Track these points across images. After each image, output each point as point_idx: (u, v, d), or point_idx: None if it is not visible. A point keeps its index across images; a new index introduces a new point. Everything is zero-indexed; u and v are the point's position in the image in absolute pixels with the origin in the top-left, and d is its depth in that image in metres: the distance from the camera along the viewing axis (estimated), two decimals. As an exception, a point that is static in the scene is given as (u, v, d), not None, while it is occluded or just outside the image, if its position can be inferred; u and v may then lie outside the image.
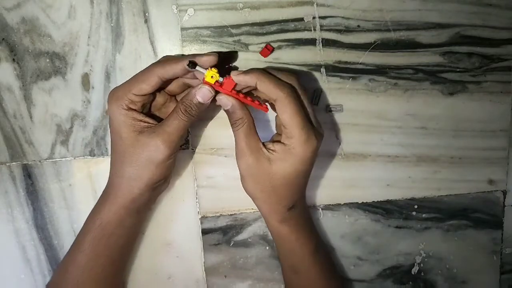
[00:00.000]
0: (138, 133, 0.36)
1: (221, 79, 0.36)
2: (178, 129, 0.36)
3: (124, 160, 0.37)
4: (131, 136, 0.37)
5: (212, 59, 0.35)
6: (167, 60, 0.37)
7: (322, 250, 0.44)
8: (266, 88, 0.35)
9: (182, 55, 0.42)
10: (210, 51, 0.36)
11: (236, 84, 0.36)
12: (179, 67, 0.35)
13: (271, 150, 0.37)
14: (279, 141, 0.37)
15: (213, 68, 0.35)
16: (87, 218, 0.40)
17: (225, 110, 0.37)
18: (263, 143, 0.37)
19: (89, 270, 0.39)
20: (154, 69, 0.36)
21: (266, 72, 0.36)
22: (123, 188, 0.38)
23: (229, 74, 0.36)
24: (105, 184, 0.40)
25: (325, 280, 0.42)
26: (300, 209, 0.40)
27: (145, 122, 0.37)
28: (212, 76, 0.35)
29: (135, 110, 0.37)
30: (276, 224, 0.40)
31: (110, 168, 0.39)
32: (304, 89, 0.37)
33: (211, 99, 0.36)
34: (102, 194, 0.40)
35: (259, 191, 0.38)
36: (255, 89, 0.36)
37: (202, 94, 0.36)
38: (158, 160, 0.37)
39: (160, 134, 0.36)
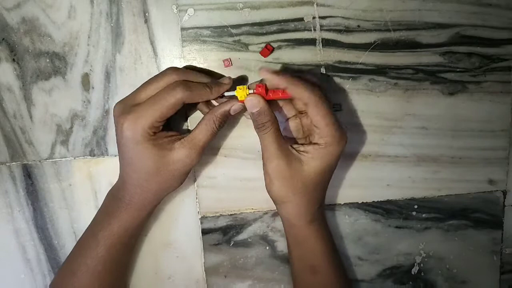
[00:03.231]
0: (169, 151, 0.36)
1: (251, 91, 0.37)
2: (210, 139, 0.38)
3: (152, 177, 0.37)
4: (162, 156, 0.36)
5: (228, 82, 0.38)
6: (193, 86, 0.36)
7: (337, 249, 0.44)
8: (298, 92, 0.36)
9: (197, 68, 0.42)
10: (225, 77, 0.39)
11: (267, 91, 0.37)
12: (207, 95, 0.37)
13: (301, 151, 0.37)
14: (310, 143, 0.38)
15: (240, 86, 0.37)
16: (96, 224, 0.40)
17: (250, 114, 0.37)
18: (291, 146, 0.38)
19: (102, 275, 0.39)
20: (181, 95, 0.35)
21: (294, 76, 0.37)
22: (148, 199, 0.39)
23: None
24: (105, 183, 0.40)
25: (340, 280, 0.43)
26: (324, 207, 0.42)
27: (170, 136, 0.37)
28: (244, 93, 0.37)
29: (158, 132, 0.37)
30: (304, 225, 0.40)
31: (130, 182, 0.38)
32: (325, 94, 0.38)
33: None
34: (116, 202, 0.39)
35: (291, 194, 0.38)
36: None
37: (235, 108, 0.37)
38: (189, 170, 0.39)
39: (195, 147, 0.37)
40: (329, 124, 0.36)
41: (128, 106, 0.36)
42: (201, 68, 0.42)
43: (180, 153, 0.37)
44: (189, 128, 0.43)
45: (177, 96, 0.35)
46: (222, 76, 0.42)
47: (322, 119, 0.36)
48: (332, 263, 0.42)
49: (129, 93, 0.37)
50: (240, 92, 0.37)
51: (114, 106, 0.37)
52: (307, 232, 0.40)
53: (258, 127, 0.37)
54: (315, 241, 0.41)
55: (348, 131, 0.45)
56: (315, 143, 0.37)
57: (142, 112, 0.35)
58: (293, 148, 0.38)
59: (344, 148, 0.38)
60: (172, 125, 0.43)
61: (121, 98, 0.38)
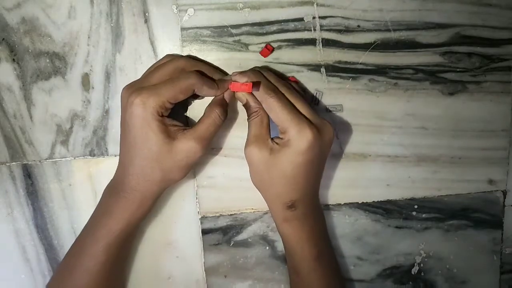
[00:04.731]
0: (173, 139, 0.37)
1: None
2: (214, 131, 0.38)
3: (156, 165, 0.37)
4: (166, 143, 0.36)
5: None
6: (203, 78, 0.37)
7: (327, 256, 0.43)
8: (255, 91, 0.38)
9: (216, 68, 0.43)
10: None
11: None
12: (214, 89, 0.38)
13: (275, 142, 0.38)
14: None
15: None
16: (94, 222, 0.39)
17: (243, 105, 0.40)
18: (272, 138, 0.39)
19: (99, 275, 0.39)
20: (193, 83, 0.37)
21: (257, 75, 0.38)
22: (150, 191, 0.38)
23: None
24: (105, 184, 0.40)
25: (326, 285, 0.42)
26: (304, 212, 0.40)
27: (175, 126, 0.37)
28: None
29: (166, 116, 0.37)
30: (278, 222, 0.41)
31: (132, 171, 0.37)
32: (294, 90, 0.39)
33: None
34: (115, 198, 0.38)
35: (260, 182, 0.40)
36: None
37: (227, 96, 0.40)
38: (194, 163, 0.38)
39: (199, 139, 0.37)
40: (284, 118, 0.37)
41: (139, 87, 0.37)
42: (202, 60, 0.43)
43: (184, 143, 0.37)
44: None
45: (191, 81, 0.37)
46: (223, 71, 0.42)
47: (275, 116, 0.37)
48: (314, 269, 0.41)
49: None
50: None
51: (123, 89, 0.37)
52: (283, 230, 0.41)
53: (248, 115, 0.39)
54: (291, 243, 0.41)
55: (348, 131, 0.45)
56: (281, 138, 0.38)
57: (156, 90, 0.36)
58: (273, 140, 0.38)
59: (312, 144, 0.37)
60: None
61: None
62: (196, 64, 0.39)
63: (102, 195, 0.40)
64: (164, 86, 0.36)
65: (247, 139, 0.39)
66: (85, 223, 0.41)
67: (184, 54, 0.42)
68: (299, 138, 0.36)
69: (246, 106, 0.39)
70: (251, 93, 0.39)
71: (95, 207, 0.41)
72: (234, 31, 0.42)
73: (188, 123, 0.43)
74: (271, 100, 0.37)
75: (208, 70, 0.40)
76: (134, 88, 0.36)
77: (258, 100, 0.38)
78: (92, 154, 0.43)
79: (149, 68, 0.40)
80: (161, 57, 0.41)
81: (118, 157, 0.39)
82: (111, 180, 0.40)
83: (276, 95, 0.37)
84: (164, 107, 0.36)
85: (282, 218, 0.40)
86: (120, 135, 0.38)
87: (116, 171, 0.40)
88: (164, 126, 0.36)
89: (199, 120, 0.39)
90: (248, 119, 0.39)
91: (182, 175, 0.39)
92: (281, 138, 0.38)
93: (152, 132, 0.36)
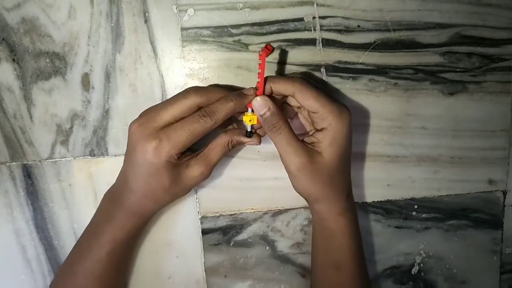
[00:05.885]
0: (185, 168, 0.38)
1: (249, 111, 0.38)
2: (221, 158, 0.39)
3: (166, 191, 0.37)
4: (178, 174, 0.37)
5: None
6: (218, 111, 0.36)
7: (362, 246, 0.44)
8: (280, 87, 0.37)
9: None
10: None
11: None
12: (232, 111, 0.37)
13: (315, 143, 0.37)
14: (315, 131, 0.38)
15: (247, 113, 0.38)
16: (98, 227, 0.40)
17: (260, 117, 0.37)
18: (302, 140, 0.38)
19: (102, 278, 0.39)
20: (210, 124, 0.36)
21: (274, 75, 0.38)
22: (156, 207, 0.39)
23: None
24: (105, 184, 0.40)
25: (362, 278, 0.42)
26: (352, 199, 0.41)
27: (186, 156, 0.38)
28: (250, 120, 0.38)
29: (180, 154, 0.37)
30: (334, 217, 0.40)
31: (141, 194, 0.37)
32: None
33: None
34: (119, 207, 0.38)
35: (320, 188, 0.38)
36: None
37: (251, 144, 0.40)
38: (198, 183, 0.39)
39: (209, 165, 0.39)
40: (324, 104, 0.36)
41: (150, 129, 0.35)
42: (223, 85, 0.42)
43: (195, 170, 0.38)
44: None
45: (206, 126, 0.36)
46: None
47: (315, 102, 0.36)
48: (357, 260, 0.42)
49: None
50: (248, 117, 0.38)
51: (131, 125, 0.36)
52: (336, 226, 0.40)
53: (271, 129, 0.37)
54: (343, 237, 0.40)
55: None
56: (322, 129, 0.37)
57: (170, 139, 0.35)
58: (306, 143, 0.38)
59: (351, 123, 0.37)
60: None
61: (137, 117, 0.37)
62: (211, 94, 0.37)
63: (103, 200, 0.41)
64: (178, 135, 0.35)
65: (287, 154, 0.37)
66: (85, 223, 0.41)
67: (184, 54, 0.42)
68: (342, 119, 0.36)
69: (266, 115, 0.37)
70: (272, 103, 0.37)
71: (96, 210, 0.41)
72: (234, 31, 0.42)
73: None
74: (304, 88, 0.36)
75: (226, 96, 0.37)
76: (144, 130, 0.35)
77: (279, 109, 0.37)
78: (92, 154, 0.43)
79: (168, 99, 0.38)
80: (184, 89, 0.38)
81: (118, 157, 0.40)
82: (113, 186, 0.40)
83: (305, 82, 0.37)
84: (180, 153, 0.36)
85: (339, 211, 0.39)
86: (126, 159, 0.38)
87: (119, 180, 0.40)
88: (177, 164, 0.37)
89: (212, 143, 0.39)
90: (271, 131, 0.37)
91: (186, 193, 0.40)
92: (319, 130, 0.37)
93: (167, 171, 0.36)
